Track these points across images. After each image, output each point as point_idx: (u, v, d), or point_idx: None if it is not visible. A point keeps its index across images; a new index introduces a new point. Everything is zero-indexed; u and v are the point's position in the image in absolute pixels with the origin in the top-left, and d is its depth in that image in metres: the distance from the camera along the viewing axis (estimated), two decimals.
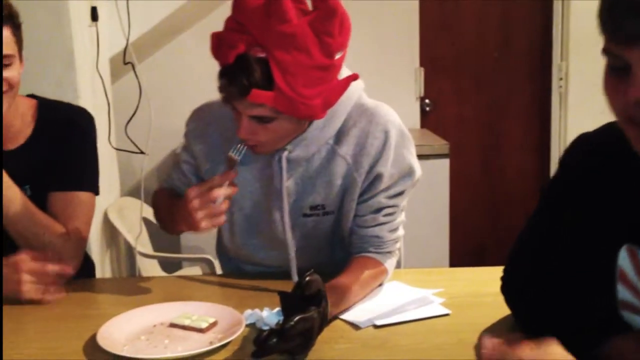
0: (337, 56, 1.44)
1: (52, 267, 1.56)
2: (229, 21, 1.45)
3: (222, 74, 1.44)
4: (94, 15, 2.83)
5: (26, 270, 1.53)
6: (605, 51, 0.96)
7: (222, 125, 1.65)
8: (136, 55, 3.14)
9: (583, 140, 1.26)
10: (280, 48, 1.38)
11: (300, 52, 1.39)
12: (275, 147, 1.55)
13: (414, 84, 3.95)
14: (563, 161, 1.28)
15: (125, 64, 3.11)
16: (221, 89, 1.46)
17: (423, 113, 4.01)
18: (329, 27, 1.40)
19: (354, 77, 1.50)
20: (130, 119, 3.16)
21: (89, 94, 2.74)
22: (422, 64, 3.95)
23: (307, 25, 1.39)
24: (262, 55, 1.39)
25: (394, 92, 3.82)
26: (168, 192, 1.77)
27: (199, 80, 3.46)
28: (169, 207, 1.64)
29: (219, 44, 1.44)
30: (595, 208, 1.18)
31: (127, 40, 3.04)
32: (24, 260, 1.54)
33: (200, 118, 1.71)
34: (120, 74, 3.30)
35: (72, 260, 1.66)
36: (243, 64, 1.40)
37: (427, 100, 4.01)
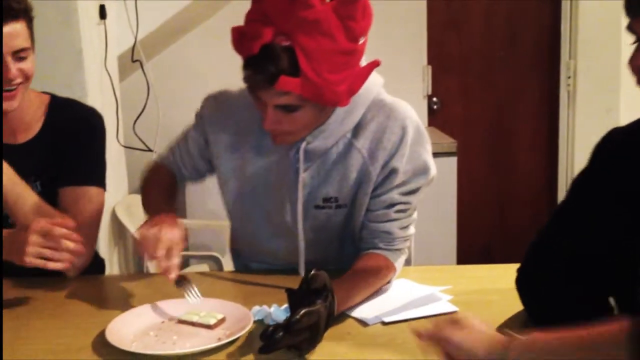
0: (361, 41, 1.45)
1: (60, 231, 1.47)
2: (251, 13, 1.46)
3: (248, 65, 1.45)
4: (102, 13, 2.84)
5: (35, 228, 1.46)
6: (627, 27, 1.05)
7: (240, 117, 1.65)
8: (144, 53, 3.15)
9: (614, 132, 1.28)
10: (304, 34, 1.40)
11: (325, 37, 1.40)
12: (298, 137, 1.56)
13: (421, 82, 3.94)
14: (594, 154, 1.30)
15: (134, 61, 3.13)
16: (246, 79, 1.47)
17: (430, 111, 4.01)
18: (353, 11, 1.42)
19: (376, 64, 1.51)
20: (139, 116, 3.18)
21: (97, 91, 2.75)
22: (429, 62, 3.94)
23: (330, 10, 1.41)
24: (287, 43, 1.41)
25: (402, 90, 3.78)
26: (166, 177, 1.76)
27: (207, 78, 3.47)
28: (157, 203, 1.67)
29: (241, 37, 1.45)
30: (625, 195, 1.19)
31: (135, 38, 3.06)
32: (36, 220, 1.48)
33: (218, 107, 1.70)
34: (128, 71, 3.31)
35: (82, 256, 1.67)
36: (269, 52, 1.41)
37: (434, 99, 4.01)
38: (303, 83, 1.41)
